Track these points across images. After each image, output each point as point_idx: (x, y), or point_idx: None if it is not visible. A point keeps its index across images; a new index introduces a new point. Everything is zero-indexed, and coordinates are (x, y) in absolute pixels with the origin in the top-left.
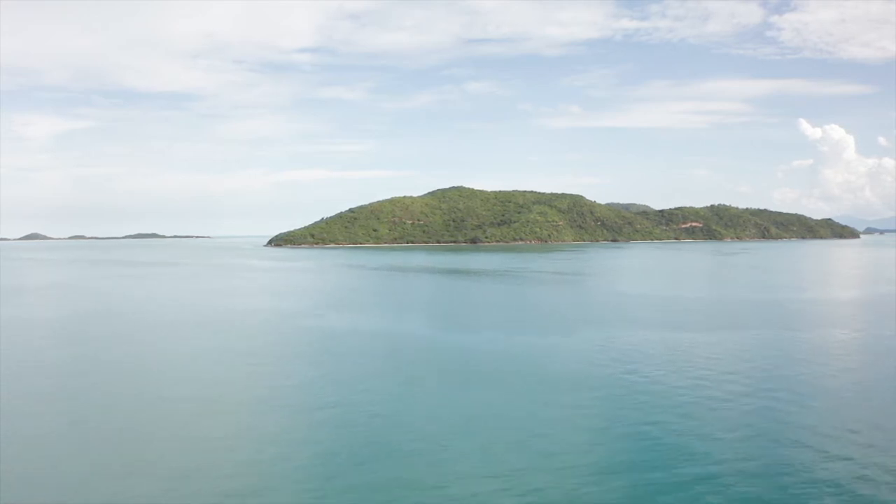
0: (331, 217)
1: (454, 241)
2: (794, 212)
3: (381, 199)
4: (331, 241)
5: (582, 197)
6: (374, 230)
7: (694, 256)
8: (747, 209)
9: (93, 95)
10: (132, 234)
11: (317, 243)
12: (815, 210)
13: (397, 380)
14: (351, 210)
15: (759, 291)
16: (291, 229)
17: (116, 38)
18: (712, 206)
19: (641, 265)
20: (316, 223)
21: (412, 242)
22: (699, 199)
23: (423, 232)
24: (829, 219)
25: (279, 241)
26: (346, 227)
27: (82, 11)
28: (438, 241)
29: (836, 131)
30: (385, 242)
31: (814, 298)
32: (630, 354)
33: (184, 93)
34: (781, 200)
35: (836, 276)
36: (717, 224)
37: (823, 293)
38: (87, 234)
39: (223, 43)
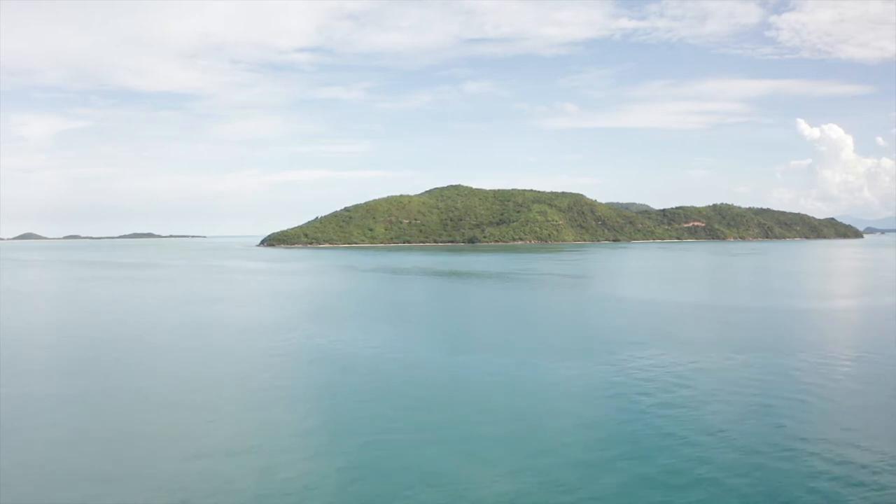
0: (325, 216)
1: (452, 241)
2: (792, 211)
3: (377, 198)
4: (325, 241)
5: (582, 196)
6: (370, 229)
7: (704, 258)
8: (750, 208)
9: (90, 95)
10: (128, 233)
11: (311, 243)
12: (814, 210)
13: (385, 423)
14: (346, 209)
15: (804, 299)
16: (285, 228)
17: (113, 37)
18: (715, 205)
19: (654, 267)
20: (310, 222)
21: (409, 242)
22: (697, 199)
23: (420, 231)
24: (832, 218)
25: (272, 240)
26: (341, 227)
27: (79, 11)
28: (436, 241)
29: (835, 131)
30: (381, 242)
31: (863, 307)
32: (681, 387)
33: (181, 93)
34: (780, 200)
35: (870, 280)
36: (719, 224)
37: (870, 301)
38: (83, 234)
39: (221, 43)
